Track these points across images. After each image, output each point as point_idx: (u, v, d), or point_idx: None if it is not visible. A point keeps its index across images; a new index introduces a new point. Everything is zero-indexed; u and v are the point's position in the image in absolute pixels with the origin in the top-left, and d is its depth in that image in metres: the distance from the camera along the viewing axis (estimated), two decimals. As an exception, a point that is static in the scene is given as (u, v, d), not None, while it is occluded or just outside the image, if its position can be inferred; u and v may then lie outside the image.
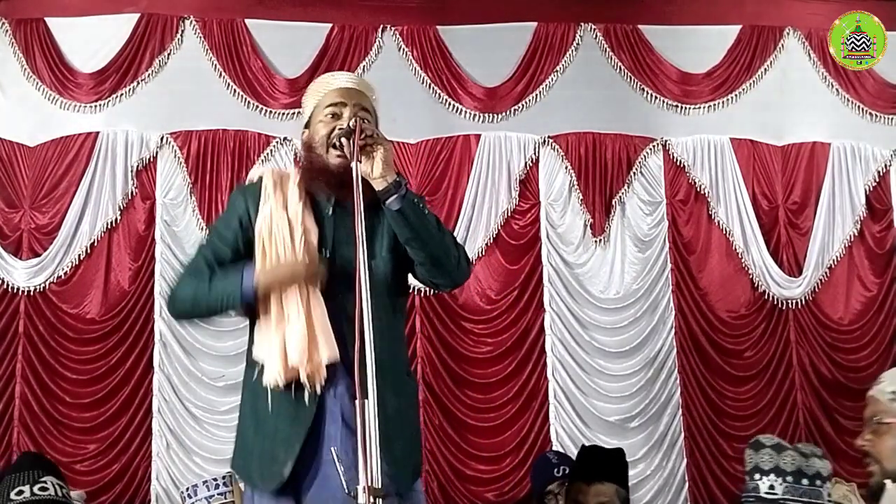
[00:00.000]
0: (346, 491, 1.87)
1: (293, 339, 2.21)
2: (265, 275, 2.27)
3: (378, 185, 2.21)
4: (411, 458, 2.33)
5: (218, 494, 3.82)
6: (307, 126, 2.45)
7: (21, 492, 2.71)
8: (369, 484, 1.81)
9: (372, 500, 1.80)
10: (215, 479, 3.89)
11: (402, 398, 2.33)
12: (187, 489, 3.94)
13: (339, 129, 2.28)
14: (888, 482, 2.12)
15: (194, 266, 2.40)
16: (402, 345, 2.45)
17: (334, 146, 2.28)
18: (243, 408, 2.38)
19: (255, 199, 2.36)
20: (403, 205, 2.21)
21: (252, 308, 2.31)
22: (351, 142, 2.20)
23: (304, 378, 2.21)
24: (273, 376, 2.23)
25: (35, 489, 2.72)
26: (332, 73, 2.54)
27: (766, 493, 2.53)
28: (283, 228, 2.29)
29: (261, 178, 2.40)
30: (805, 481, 2.53)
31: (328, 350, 2.21)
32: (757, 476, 2.58)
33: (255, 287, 2.26)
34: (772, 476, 2.54)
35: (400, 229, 2.25)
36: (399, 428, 2.26)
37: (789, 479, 2.53)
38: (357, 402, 1.88)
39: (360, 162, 2.16)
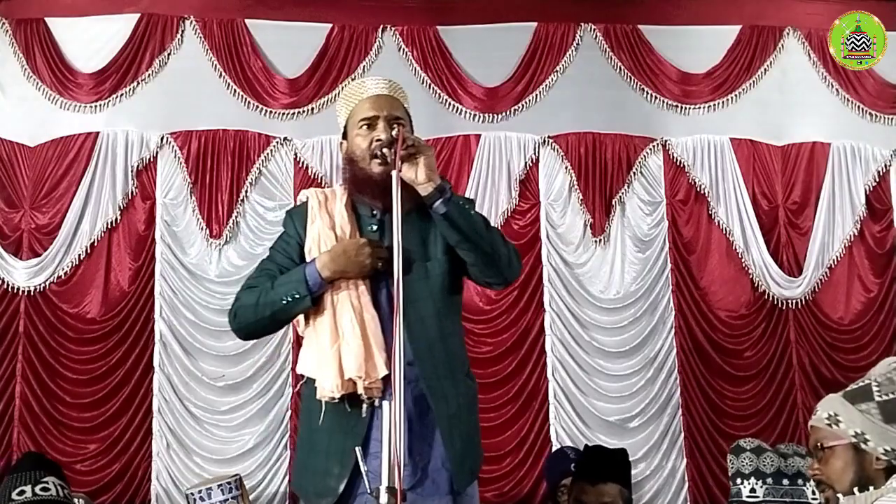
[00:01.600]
0: (368, 490, 1.89)
1: (349, 354, 2.23)
2: (324, 255, 2.30)
3: (423, 191, 2.24)
4: (469, 459, 2.34)
5: (231, 499, 3.73)
6: (344, 137, 2.47)
7: (23, 492, 2.71)
8: (391, 484, 1.82)
9: (394, 501, 1.80)
10: (228, 483, 3.79)
11: (462, 397, 2.35)
12: (199, 491, 3.73)
13: (378, 140, 2.31)
14: (840, 495, 2.16)
15: (255, 279, 2.40)
16: (461, 344, 2.46)
17: (376, 156, 2.30)
18: (300, 426, 2.42)
19: (303, 220, 2.42)
20: (449, 208, 2.24)
21: (321, 297, 2.30)
22: (392, 151, 2.22)
23: (360, 391, 2.23)
24: (329, 390, 2.25)
25: (37, 489, 2.72)
26: (363, 79, 2.53)
27: (748, 496, 2.55)
28: (331, 244, 2.33)
29: (307, 200, 2.46)
30: (785, 481, 2.55)
31: (383, 364, 2.22)
32: (739, 480, 2.60)
33: (318, 270, 2.27)
34: (752, 479, 2.56)
35: (448, 232, 2.28)
36: (458, 427, 2.30)
37: (769, 480, 2.55)
38: (385, 403, 1.90)
39: (400, 170, 2.18)
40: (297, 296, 2.27)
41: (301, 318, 2.37)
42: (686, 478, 5.79)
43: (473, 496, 2.36)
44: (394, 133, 2.25)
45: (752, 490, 2.55)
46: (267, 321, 2.34)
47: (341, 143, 2.49)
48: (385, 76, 2.53)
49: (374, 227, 2.37)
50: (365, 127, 2.38)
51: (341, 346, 2.25)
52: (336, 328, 2.27)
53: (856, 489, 2.10)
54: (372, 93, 2.42)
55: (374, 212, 2.38)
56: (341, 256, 2.27)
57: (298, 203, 2.53)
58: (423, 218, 2.31)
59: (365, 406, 2.24)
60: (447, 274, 2.36)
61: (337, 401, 2.25)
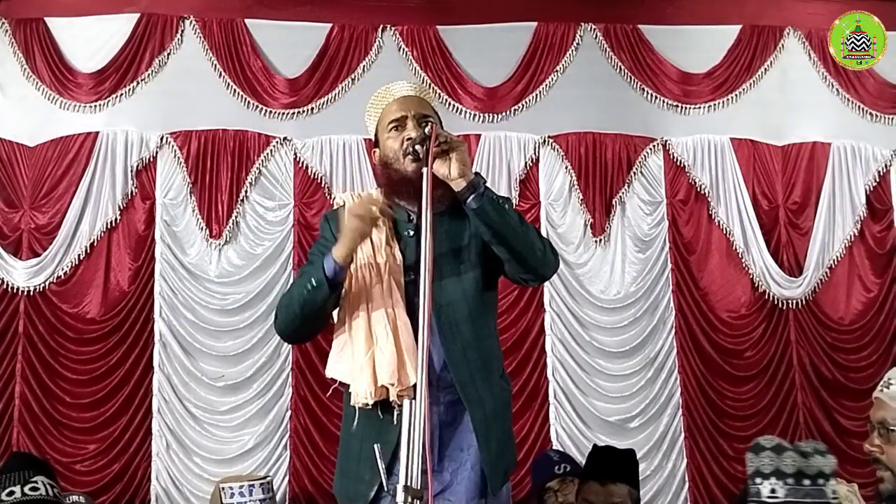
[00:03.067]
0: (385, 489, 1.90)
1: (383, 361, 2.23)
2: (338, 241, 2.29)
3: (457, 186, 2.23)
4: (503, 460, 2.34)
5: (268, 499, 3.71)
6: (376, 144, 2.47)
7: (12, 492, 2.69)
8: (409, 484, 1.81)
9: (410, 500, 1.80)
10: (264, 483, 3.76)
11: (497, 399, 2.35)
12: (241, 486, 3.68)
13: (409, 138, 2.31)
14: None
15: (293, 284, 2.42)
16: (496, 345, 2.45)
17: (409, 154, 2.29)
18: (341, 430, 2.41)
19: (338, 224, 2.40)
20: (482, 203, 2.23)
21: (340, 284, 2.29)
22: (425, 147, 2.21)
23: (393, 397, 2.22)
24: (362, 397, 2.25)
25: (26, 489, 2.70)
26: (388, 85, 2.53)
27: (768, 497, 2.49)
28: (366, 251, 2.33)
29: (344, 204, 2.45)
30: (807, 482, 2.49)
31: (415, 371, 2.19)
32: (758, 480, 2.53)
33: (332, 255, 2.26)
34: (773, 479, 2.49)
35: (481, 228, 2.27)
36: (494, 429, 2.30)
37: (790, 481, 2.48)
38: (406, 402, 1.89)
39: (431, 168, 2.17)
40: (314, 283, 2.26)
41: (335, 318, 2.37)
42: (686, 478, 5.79)
43: (505, 499, 2.35)
44: (426, 130, 2.24)
45: (773, 490, 2.51)
46: (299, 318, 2.32)
47: (374, 151, 2.49)
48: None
49: (411, 233, 2.37)
50: (395, 129, 2.39)
51: (375, 352, 2.24)
52: (371, 335, 2.27)
53: None
54: (399, 94, 2.45)
55: (411, 216, 2.38)
56: (345, 228, 2.26)
57: (335, 206, 2.52)
58: (459, 219, 2.31)
59: (396, 412, 2.23)
60: (481, 276, 2.36)
61: (370, 407, 2.25)
